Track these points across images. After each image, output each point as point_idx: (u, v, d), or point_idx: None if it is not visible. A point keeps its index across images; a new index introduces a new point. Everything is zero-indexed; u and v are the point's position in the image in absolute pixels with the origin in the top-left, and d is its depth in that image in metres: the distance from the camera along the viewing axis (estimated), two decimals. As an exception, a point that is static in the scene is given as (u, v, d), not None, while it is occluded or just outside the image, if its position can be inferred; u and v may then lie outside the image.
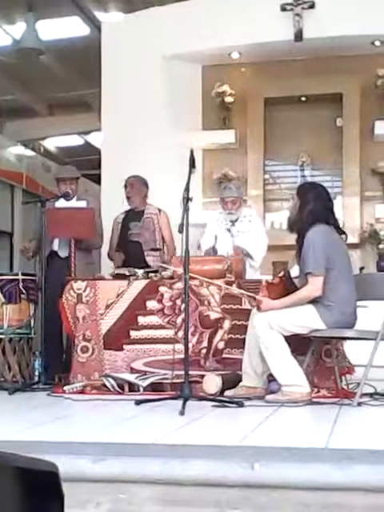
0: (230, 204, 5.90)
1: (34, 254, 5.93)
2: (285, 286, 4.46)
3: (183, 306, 4.36)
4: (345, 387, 4.63)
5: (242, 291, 4.77)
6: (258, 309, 4.40)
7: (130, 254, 5.98)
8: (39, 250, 5.55)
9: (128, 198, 6.15)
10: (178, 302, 4.97)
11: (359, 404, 4.08)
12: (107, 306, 5.12)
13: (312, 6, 7.33)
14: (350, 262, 4.53)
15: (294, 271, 4.63)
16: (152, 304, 5.07)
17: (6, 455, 1.17)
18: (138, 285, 5.12)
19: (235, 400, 4.16)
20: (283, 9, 7.40)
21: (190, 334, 4.52)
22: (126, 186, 6.17)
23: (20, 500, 1.18)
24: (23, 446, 2.70)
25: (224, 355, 4.93)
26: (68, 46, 10.61)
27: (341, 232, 4.56)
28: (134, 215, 6.16)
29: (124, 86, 7.78)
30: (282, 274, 4.56)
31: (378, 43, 7.48)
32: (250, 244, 5.77)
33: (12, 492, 1.17)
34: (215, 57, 7.80)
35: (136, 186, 6.16)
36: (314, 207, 4.43)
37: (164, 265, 5.32)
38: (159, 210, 6.15)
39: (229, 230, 5.89)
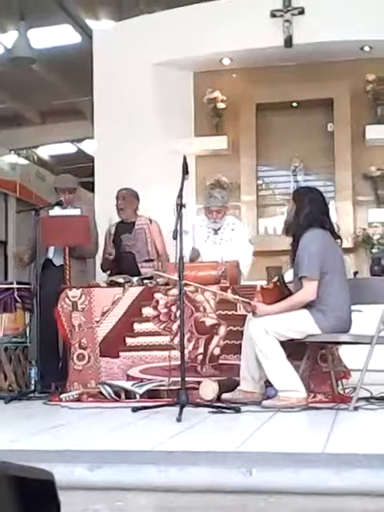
0: (215, 213, 5.91)
1: (28, 262, 5.91)
2: (279, 291, 4.47)
3: (179, 313, 4.36)
4: (341, 392, 4.64)
5: (237, 297, 4.77)
6: (254, 314, 4.40)
7: (123, 265, 5.95)
8: (34, 258, 5.54)
9: (120, 209, 6.16)
10: (174, 308, 4.97)
11: (356, 408, 4.08)
12: (103, 314, 5.11)
13: (302, 12, 7.36)
14: (344, 266, 4.54)
15: (289, 275, 4.63)
16: (147, 311, 5.07)
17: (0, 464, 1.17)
18: (133, 292, 5.12)
19: (232, 406, 4.16)
20: (273, 15, 7.43)
21: (185, 340, 4.52)
22: (117, 198, 6.18)
23: (16, 509, 1.18)
24: (20, 455, 2.70)
25: (220, 361, 4.92)
26: (60, 54, 10.63)
27: (336, 236, 4.56)
28: (125, 227, 6.16)
29: (116, 93, 7.79)
30: (276, 279, 4.57)
31: (367, 48, 7.52)
32: (235, 255, 5.71)
33: (7, 501, 1.17)
34: (206, 63, 7.83)
35: (128, 199, 6.17)
36: (309, 211, 4.44)
37: (158, 272, 5.32)
38: (150, 221, 6.16)
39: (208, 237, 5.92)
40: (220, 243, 5.88)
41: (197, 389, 4.56)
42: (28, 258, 5.85)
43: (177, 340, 4.72)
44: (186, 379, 4.19)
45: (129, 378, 4.99)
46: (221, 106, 7.95)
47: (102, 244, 6.18)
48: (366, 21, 7.17)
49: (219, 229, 5.94)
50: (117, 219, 6.22)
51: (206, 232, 5.95)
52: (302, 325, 4.28)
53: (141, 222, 6.16)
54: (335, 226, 4.74)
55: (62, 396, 4.83)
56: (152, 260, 6.03)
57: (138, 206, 6.21)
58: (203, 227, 5.99)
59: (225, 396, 4.42)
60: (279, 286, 4.52)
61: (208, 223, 5.96)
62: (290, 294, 4.43)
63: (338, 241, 4.58)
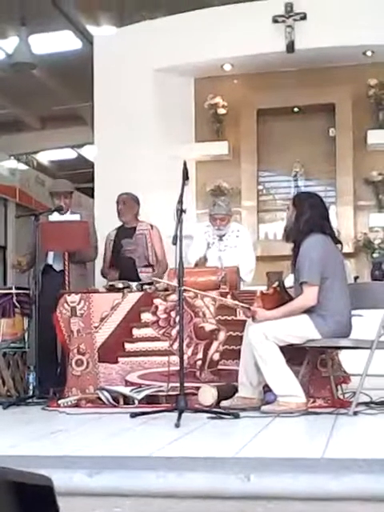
0: (219, 221, 5.93)
1: (27, 267, 5.90)
2: (279, 297, 4.45)
3: (178, 318, 4.35)
4: (341, 397, 4.62)
5: (237, 302, 4.76)
6: (253, 319, 4.39)
7: (123, 270, 5.95)
8: (34, 263, 5.53)
9: (120, 214, 6.15)
10: (173, 313, 4.96)
11: (355, 413, 4.06)
12: (102, 319, 5.10)
13: (304, 18, 7.36)
14: (345, 271, 4.53)
15: (289, 281, 4.62)
16: (146, 316, 5.05)
17: (-1, 470, 1.16)
18: (133, 297, 5.11)
19: (231, 411, 4.14)
20: (275, 21, 7.44)
21: (185, 345, 4.51)
22: (118, 203, 6.18)
23: (14, 515, 1.17)
24: (18, 461, 2.68)
25: (219, 366, 4.91)
26: (60, 60, 10.64)
27: (336, 241, 4.56)
28: (126, 232, 6.15)
29: (117, 99, 7.79)
30: (276, 284, 4.56)
31: (369, 53, 7.54)
32: (238, 261, 5.70)
33: (6, 507, 1.16)
34: (207, 69, 7.83)
35: (128, 203, 6.17)
36: (310, 217, 4.43)
37: (157, 279, 5.31)
38: (151, 226, 6.16)
39: (213, 243, 5.92)
40: (224, 250, 5.89)
41: (196, 394, 4.54)
42: (27, 263, 5.84)
43: (176, 345, 4.70)
44: (185, 385, 4.18)
45: (127, 383, 4.98)
46: (221, 111, 7.95)
47: (101, 250, 6.17)
48: (367, 26, 7.17)
49: (224, 235, 5.95)
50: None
51: (212, 238, 5.96)
52: (302, 330, 4.27)
53: (142, 227, 6.16)
54: (335, 231, 4.73)
55: (60, 401, 4.81)
56: (152, 265, 6.03)
57: (138, 210, 6.21)
58: (208, 233, 6.00)
59: (223, 404, 4.41)
60: (279, 291, 4.50)
61: (212, 230, 5.97)
62: (290, 299, 4.42)
63: (339, 246, 4.58)
